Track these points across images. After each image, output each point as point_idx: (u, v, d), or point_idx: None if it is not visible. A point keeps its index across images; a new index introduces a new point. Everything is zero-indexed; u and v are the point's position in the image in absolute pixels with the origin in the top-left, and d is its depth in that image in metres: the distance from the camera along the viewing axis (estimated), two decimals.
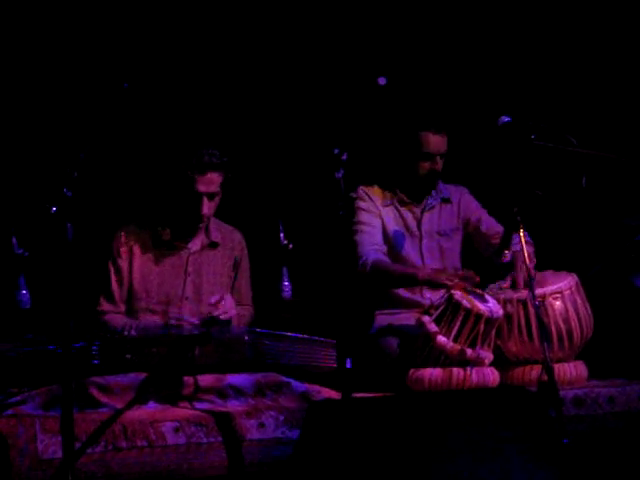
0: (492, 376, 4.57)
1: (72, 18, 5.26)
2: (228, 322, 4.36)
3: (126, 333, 4.20)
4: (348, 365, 3.64)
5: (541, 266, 4.85)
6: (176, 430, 3.91)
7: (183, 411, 4.05)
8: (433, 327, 4.50)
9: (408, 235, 5.01)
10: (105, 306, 4.56)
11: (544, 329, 4.22)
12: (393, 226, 4.99)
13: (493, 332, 4.57)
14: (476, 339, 4.50)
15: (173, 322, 4.46)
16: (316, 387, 4.29)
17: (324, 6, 5.63)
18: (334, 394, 4.21)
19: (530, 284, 4.21)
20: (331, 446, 3.46)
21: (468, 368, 4.50)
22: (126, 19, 5.33)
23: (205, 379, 4.15)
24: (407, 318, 4.84)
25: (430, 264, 4.99)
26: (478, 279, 4.68)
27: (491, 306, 4.56)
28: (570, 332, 4.71)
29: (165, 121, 5.35)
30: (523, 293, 4.65)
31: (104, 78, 5.02)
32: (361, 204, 4.97)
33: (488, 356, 4.56)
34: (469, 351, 4.49)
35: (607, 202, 5.58)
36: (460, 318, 4.49)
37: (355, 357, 3.69)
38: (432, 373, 4.50)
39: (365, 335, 4.92)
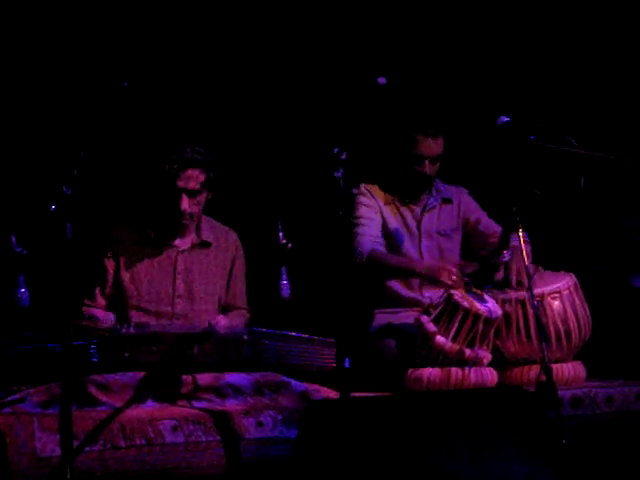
0: (490, 376, 4.57)
1: (69, 18, 5.26)
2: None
3: (124, 331, 4.19)
4: (347, 365, 3.65)
5: (541, 266, 4.85)
6: (174, 429, 3.91)
7: (182, 410, 4.05)
8: (432, 327, 4.50)
9: (408, 234, 5.01)
10: (86, 300, 4.58)
11: (542, 329, 4.22)
12: (393, 224, 5.00)
13: (492, 332, 4.58)
14: (475, 339, 4.51)
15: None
16: (315, 386, 4.29)
17: (324, 4, 5.63)
18: (333, 393, 4.21)
19: (529, 284, 4.21)
20: (329, 445, 3.46)
21: (466, 368, 4.51)
22: (122, 19, 5.32)
23: (204, 378, 4.15)
24: (407, 317, 4.84)
25: (430, 263, 4.99)
26: (475, 266, 4.68)
27: (490, 306, 4.57)
28: (568, 332, 4.71)
29: (161, 119, 5.35)
30: (521, 293, 4.65)
31: (103, 77, 5.02)
32: (362, 199, 4.98)
33: (487, 356, 4.57)
34: (468, 351, 4.49)
35: (606, 203, 5.58)
36: (459, 318, 4.49)
37: (354, 357, 3.69)
38: (430, 373, 4.51)
39: (364, 334, 4.92)
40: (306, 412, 3.62)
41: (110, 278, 4.60)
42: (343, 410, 3.59)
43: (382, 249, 4.91)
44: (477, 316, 4.49)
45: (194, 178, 4.50)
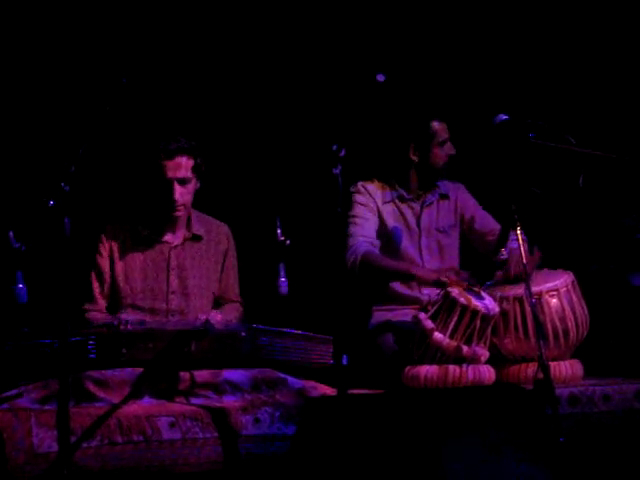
0: (488, 373, 4.57)
1: (67, 16, 5.26)
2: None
3: (122, 327, 4.19)
4: (344, 362, 3.65)
5: (539, 264, 4.85)
6: (172, 425, 3.91)
7: (179, 406, 4.06)
8: (429, 324, 4.50)
9: (407, 232, 5.01)
10: (86, 305, 4.58)
11: (540, 327, 4.22)
12: (392, 223, 4.99)
13: (489, 329, 4.58)
14: (472, 336, 4.51)
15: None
16: (312, 383, 4.29)
17: (322, 1, 5.63)
18: (330, 390, 4.21)
19: (526, 282, 4.21)
20: (327, 442, 3.47)
21: (464, 365, 4.51)
22: (117, 16, 5.32)
23: (201, 374, 4.16)
24: (405, 314, 4.83)
25: (429, 261, 4.99)
26: (468, 276, 4.69)
27: (487, 303, 4.57)
28: (566, 330, 4.71)
29: (157, 117, 5.35)
30: (519, 291, 4.65)
31: (100, 73, 5.02)
32: (358, 198, 4.97)
33: (484, 353, 4.57)
34: (465, 348, 4.49)
35: (605, 201, 5.58)
36: (456, 315, 4.49)
37: (351, 353, 3.69)
38: (428, 370, 4.50)
39: (362, 331, 4.91)
40: (304, 409, 3.62)
41: (107, 278, 4.61)
42: (341, 407, 3.59)
43: (376, 250, 4.90)
44: (475, 313, 4.49)
45: (183, 165, 4.53)
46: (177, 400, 4.12)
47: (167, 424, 3.91)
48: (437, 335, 4.48)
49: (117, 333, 4.15)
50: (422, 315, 4.54)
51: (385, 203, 5.00)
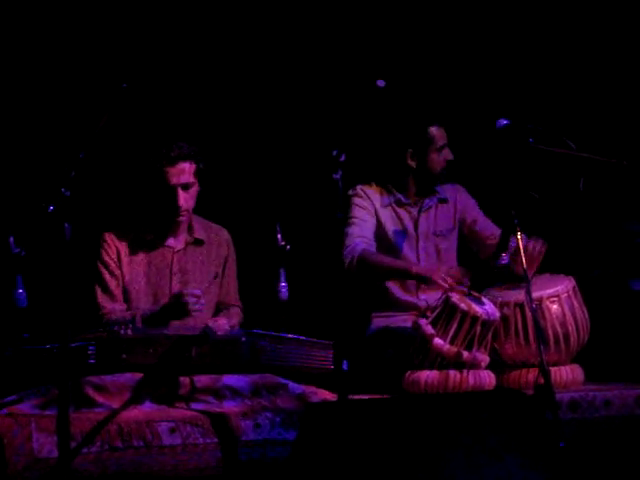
0: (488, 379, 4.57)
1: (67, 20, 5.26)
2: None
3: (122, 332, 4.19)
4: (345, 367, 3.64)
5: (539, 269, 4.85)
6: (172, 430, 3.91)
7: (179, 411, 4.05)
8: (429, 329, 4.50)
9: (405, 236, 5.01)
10: (108, 306, 4.57)
11: (541, 332, 4.22)
12: (391, 227, 4.99)
13: (490, 335, 4.57)
14: (472, 341, 4.50)
15: (173, 300, 4.44)
16: (312, 388, 4.29)
17: (323, 6, 5.63)
18: (330, 396, 4.21)
19: (527, 287, 4.20)
20: (327, 448, 3.46)
21: (465, 371, 4.50)
22: (119, 19, 5.32)
23: (201, 380, 4.15)
24: (403, 320, 4.83)
25: (426, 265, 4.98)
26: (469, 274, 4.68)
27: (488, 308, 4.56)
28: (567, 335, 4.71)
29: (157, 122, 5.35)
30: (520, 296, 4.64)
31: (101, 78, 5.02)
32: (357, 200, 4.96)
33: (484, 359, 4.56)
34: (465, 353, 4.49)
35: (605, 206, 5.58)
36: (457, 320, 4.49)
37: (352, 359, 3.68)
38: (428, 375, 4.50)
39: (362, 337, 4.91)
40: (305, 414, 3.62)
41: (120, 277, 4.61)
42: (341, 412, 3.58)
43: (374, 250, 4.89)
44: (475, 318, 4.48)
45: (186, 171, 4.54)
46: (177, 405, 4.12)
47: (167, 429, 3.91)
48: (437, 341, 4.48)
49: (117, 338, 4.15)
50: (422, 321, 4.53)
51: (383, 207, 4.99)
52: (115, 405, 4.01)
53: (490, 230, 5.04)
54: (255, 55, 5.57)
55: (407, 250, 4.99)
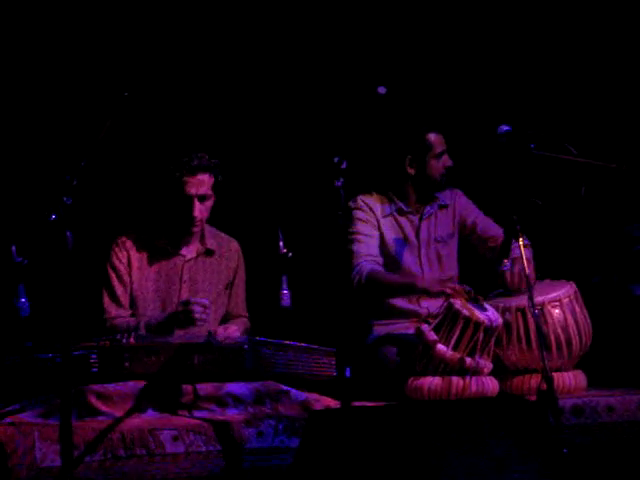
0: (491, 385, 4.56)
1: (69, 27, 5.27)
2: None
3: (125, 341, 4.19)
4: (347, 374, 3.64)
5: (540, 275, 4.85)
6: (175, 438, 3.91)
7: (182, 419, 4.05)
8: (432, 336, 4.50)
9: (407, 245, 5.00)
10: (113, 312, 4.57)
11: (543, 337, 4.22)
12: (392, 236, 4.98)
13: (492, 341, 4.57)
14: (475, 348, 4.50)
15: (181, 308, 4.44)
16: (315, 396, 4.28)
17: (325, 13, 5.64)
18: (333, 403, 4.21)
19: (529, 292, 4.20)
20: (330, 455, 3.46)
21: (467, 377, 4.50)
22: (123, 28, 5.33)
23: (204, 387, 4.15)
24: (405, 327, 4.84)
25: (429, 272, 4.99)
26: (469, 290, 4.69)
27: (490, 315, 4.56)
28: (569, 340, 4.71)
29: (164, 130, 5.35)
30: (522, 301, 4.64)
31: (103, 86, 5.03)
32: (359, 214, 4.95)
33: (487, 365, 4.56)
34: (468, 360, 4.48)
35: (606, 211, 5.58)
36: (459, 327, 4.49)
37: (354, 366, 3.68)
38: (431, 382, 4.50)
39: (363, 345, 4.91)
40: (308, 421, 3.62)
41: (128, 284, 4.60)
42: (344, 419, 3.58)
43: (380, 268, 4.89)
44: (477, 325, 4.48)
45: (205, 183, 4.53)
46: (180, 413, 4.12)
47: (170, 437, 3.90)
48: (440, 347, 4.48)
49: (119, 347, 4.15)
50: (425, 327, 4.53)
51: (384, 217, 4.99)
52: (118, 413, 4.01)
53: (492, 231, 5.04)
54: (257, 63, 5.57)
55: (409, 258, 4.99)
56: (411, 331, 4.64)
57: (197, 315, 4.36)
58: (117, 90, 3.81)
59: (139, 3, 5.39)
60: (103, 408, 4.03)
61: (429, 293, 4.77)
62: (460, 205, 5.11)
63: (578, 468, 3.91)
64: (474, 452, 3.55)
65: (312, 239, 5.12)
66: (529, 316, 4.60)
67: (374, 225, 4.95)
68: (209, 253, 4.70)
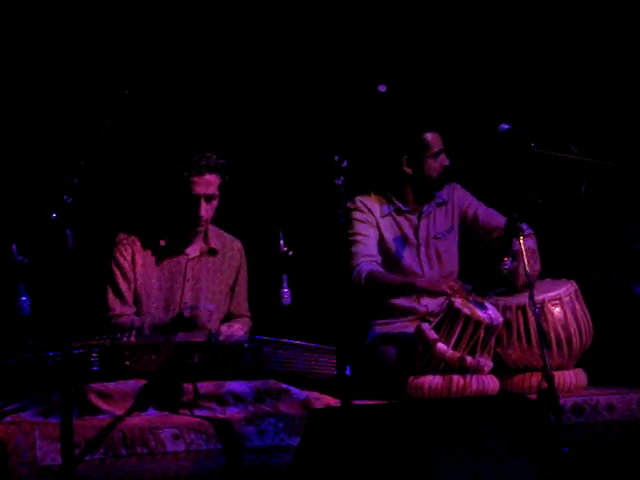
0: (492, 383, 4.57)
1: (70, 26, 5.27)
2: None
3: (125, 339, 4.19)
4: (348, 372, 3.64)
5: (541, 273, 4.85)
6: (175, 437, 3.91)
7: (183, 418, 4.06)
8: (433, 334, 4.50)
9: (406, 244, 5.00)
10: (118, 309, 4.56)
11: (543, 336, 4.22)
12: (391, 235, 4.97)
13: (493, 339, 4.58)
14: (476, 346, 4.50)
15: (186, 313, 4.45)
16: (315, 394, 4.29)
17: (325, 12, 5.64)
18: (333, 401, 4.21)
19: (530, 290, 4.20)
20: (331, 453, 3.46)
21: (468, 375, 4.50)
22: (124, 26, 5.33)
23: (204, 386, 4.16)
24: (404, 326, 4.84)
25: (429, 271, 4.98)
26: (470, 288, 4.69)
27: (491, 313, 4.56)
28: (569, 339, 4.71)
29: (164, 128, 5.35)
30: (522, 299, 4.64)
31: (104, 85, 5.03)
32: (357, 215, 4.94)
33: (488, 363, 4.56)
34: (469, 358, 4.49)
35: (607, 210, 5.58)
36: (460, 325, 4.49)
37: (355, 364, 3.69)
38: (432, 380, 4.50)
39: (362, 344, 4.91)
40: (308, 420, 3.62)
41: (132, 281, 4.60)
42: (345, 418, 3.58)
43: (380, 268, 4.88)
44: (478, 323, 4.48)
45: (212, 183, 4.53)
46: (181, 412, 4.13)
47: (171, 436, 3.91)
48: (441, 346, 4.48)
49: (120, 345, 4.15)
50: (425, 326, 4.53)
51: (383, 217, 4.98)
52: (118, 412, 4.01)
53: (495, 221, 5.02)
54: (258, 61, 5.57)
55: (409, 257, 4.98)
56: (411, 330, 4.64)
57: (203, 321, 4.37)
58: (118, 89, 3.81)
59: (143, 1, 5.39)
60: (104, 407, 4.03)
61: (429, 293, 4.78)
62: (458, 198, 5.10)
63: (579, 467, 3.91)
64: (475, 451, 3.55)
65: (313, 238, 5.11)
66: (529, 314, 4.60)
67: (373, 225, 4.94)
68: (212, 252, 4.70)
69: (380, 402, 4.27)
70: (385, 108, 4.57)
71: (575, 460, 3.81)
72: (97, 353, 4.13)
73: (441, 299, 4.69)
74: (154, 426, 3.92)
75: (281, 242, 4.12)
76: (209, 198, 4.54)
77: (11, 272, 3.80)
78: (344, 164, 3.76)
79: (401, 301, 4.96)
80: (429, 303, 4.90)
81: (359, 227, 4.91)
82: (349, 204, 4.93)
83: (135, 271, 4.60)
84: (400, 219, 5.01)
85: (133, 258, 4.61)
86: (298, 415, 4.09)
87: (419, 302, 4.96)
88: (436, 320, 4.54)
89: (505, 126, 4.37)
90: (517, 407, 3.74)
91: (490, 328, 4.51)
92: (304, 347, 4.41)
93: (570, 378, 4.72)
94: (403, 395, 4.55)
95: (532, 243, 4.81)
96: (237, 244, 4.79)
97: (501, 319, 4.60)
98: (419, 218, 5.02)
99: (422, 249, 5.01)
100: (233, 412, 4.13)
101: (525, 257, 4.22)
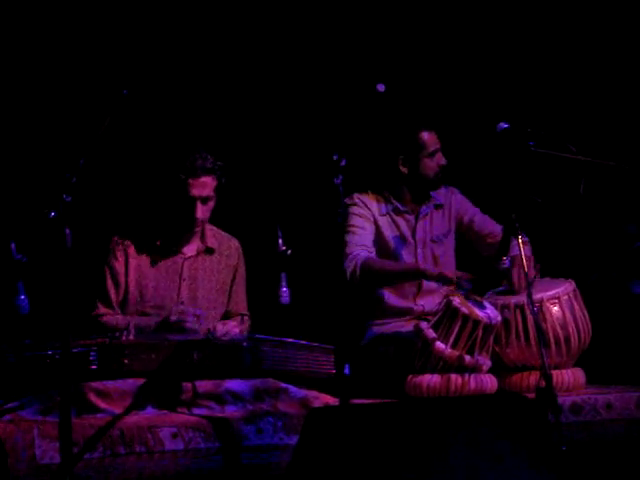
0: (490, 382, 4.57)
1: (69, 26, 5.27)
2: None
3: (124, 338, 4.20)
4: (346, 371, 3.64)
5: (540, 273, 4.85)
6: (174, 436, 3.91)
7: (181, 417, 4.06)
8: (431, 333, 4.50)
9: (404, 244, 5.00)
10: (102, 309, 4.59)
11: (542, 335, 4.22)
12: (389, 234, 4.98)
13: (491, 338, 4.58)
14: (474, 345, 4.51)
15: (173, 317, 4.45)
16: (314, 393, 4.29)
17: (322, 12, 5.64)
18: (332, 400, 4.21)
19: (528, 289, 4.20)
20: (329, 452, 3.46)
21: (466, 374, 4.51)
22: (124, 26, 5.33)
23: (203, 385, 4.15)
24: (400, 326, 4.84)
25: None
26: (470, 277, 4.68)
27: (489, 312, 4.57)
28: (568, 338, 4.72)
29: (162, 126, 5.36)
30: (521, 298, 4.65)
31: (103, 84, 5.03)
32: (355, 209, 4.94)
33: (486, 362, 4.57)
34: (467, 357, 4.49)
35: (605, 209, 5.58)
36: (458, 324, 4.49)
37: (353, 363, 3.68)
38: (430, 379, 4.51)
39: (360, 345, 4.91)
40: (307, 419, 3.62)
41: (122, 281, 4.61)
42: (343, 417, 3.58)
43: (375, 257, 4.88)
44: (476, 322, 4.49)
45: (208, 185, 4.54)
46: (179, 411, 4.12)
47: (169, 435, 3.91)
48: (439, 345, 4.48)
49: (119, 344, 4.15)
50: (424, 324, 4.54)
51: (381, 215, 4.98)
52: (117, 411, 4.01)
53: (489, 228, 5.04)
54: (256, 60, 5.57)
55: (406, 257, 4.98)
56: (408, 329, 4.64)
57: (189, 325, 4.38)
58: (116, 88, 3.81)
59: (142, 1, 5.40)
60: (102, 405, 4.03)
61: (431, 276, 4.74)
62: (456, 203, 5.11)
63: (577, 466, 3.91)
64: (473, 450, 3.56)
65: (311, 236, 5.11)
66: (528, 313, 4.60)
67: (369, 220, 4.94)
68: (209, 251, 4.70)
69: (379, 401, 4.28)
70: (381, 107, 4.56)
71: (573, 459, 3.81)
72: (96, 352, 4.13)
73: (438, 299, 4.70)
74: (153, 425, 3.92)
75: (280, 241, 4.12)
76: (205, 200, 4.54)
77: (10, 270, 3.80)
78: (343, 163, 3.76)
79: (397, 301, 4.96)
80: (425, 303, 4.91)
81: (356, 220, 4.91)
82: (347, 200, 4.93)
83: (128, 273, 4.60)
84: (398, 219, 5.01)
85: (127, 262, 4.61)
86: (297, 414, 4.09)
87: (415, 302, 4.96)
88: (434, 319, 4.54)
89: (503, 125, 4.38)
90: (515, 406, 3.74)
91: (488, 327, 4.51)
92: (303, 346, 4.41)
93: (568, 377, 4.72)
94: (402, 394, 4.56)
95: (527, 250, 4.80)
96: (234, 243, 4.80)
97: (499, 318, 4.60)
98: (417, 219, 5.02)
99: (419, 250, 5.01)
100: (232, 411, 4.13)
101: (523, 256, 4.23)
